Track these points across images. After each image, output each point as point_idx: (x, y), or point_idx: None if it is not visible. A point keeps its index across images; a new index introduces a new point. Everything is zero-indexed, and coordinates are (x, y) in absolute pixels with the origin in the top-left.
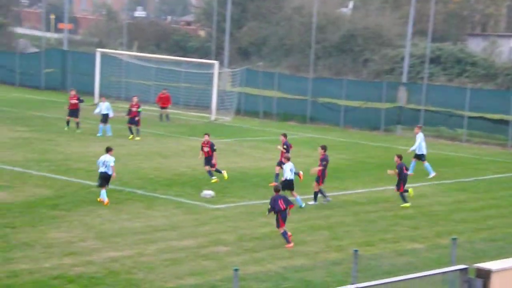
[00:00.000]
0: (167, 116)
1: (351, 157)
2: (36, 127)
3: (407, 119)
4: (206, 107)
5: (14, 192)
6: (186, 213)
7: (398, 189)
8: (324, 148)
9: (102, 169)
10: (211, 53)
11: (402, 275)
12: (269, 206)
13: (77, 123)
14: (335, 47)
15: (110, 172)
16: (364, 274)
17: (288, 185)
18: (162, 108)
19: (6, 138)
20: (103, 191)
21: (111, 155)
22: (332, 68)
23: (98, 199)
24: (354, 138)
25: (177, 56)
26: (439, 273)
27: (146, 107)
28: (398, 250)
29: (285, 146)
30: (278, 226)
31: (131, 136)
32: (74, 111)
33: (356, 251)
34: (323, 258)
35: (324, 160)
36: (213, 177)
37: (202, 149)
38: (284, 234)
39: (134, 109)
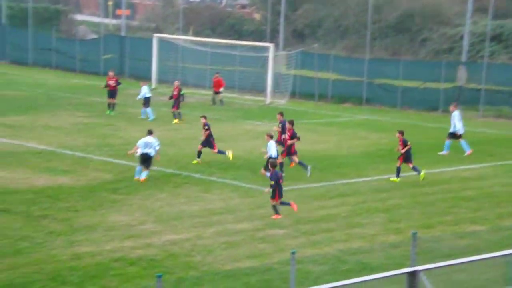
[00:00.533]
0: (220, 100)
1: (408, 138)
2: (96, 112)
3: (466, 99)
4: (261, 91)
5: (75, 177)
6: (242, 197)
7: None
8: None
9: (144, 151)
10: (266, 36)
11: (463, 257)
12: (272, 182)
13: (113, 105)
14: (391, 27)
15: (152, 154)
16: (423, 256)
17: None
18: (215, 92)
19: (67, 124)
20: (139, 169)
21: (153, 137)
22: (389, 49)
23: (135, 178)
24: (412, 120)
25: (232, 39)
26: (502, 255)
27: (202, 92)
28: (458, 232)
29: (280, 125)
30: (273, 197)
31: (175, 121)
32: (112, 92)
33: (414, 233)
34: (381, 241)
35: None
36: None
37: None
38: (280, 205)
39: (175, 92)
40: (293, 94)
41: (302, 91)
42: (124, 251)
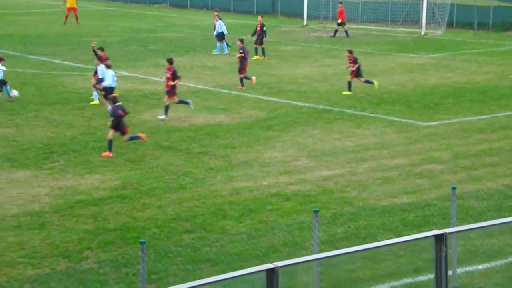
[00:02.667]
0: (346, 32)
1: None
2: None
3: None
4: (415, 22)
5: (231, 115)
6: (397, 132)
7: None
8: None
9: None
10: None
11: None
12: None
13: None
14: None
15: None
16: None
17: None
18: (338, 24)
19: (223, 63)
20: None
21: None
22: None
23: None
24: None
25: None
26: None
27: (353, 26)
28: None
29: (241, 51)
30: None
31: (255, 57)
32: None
33: None
34: None
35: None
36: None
37: None
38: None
39: (258, 28)
40: (450, 24)
41: (460, 20)
42: (279, 186)
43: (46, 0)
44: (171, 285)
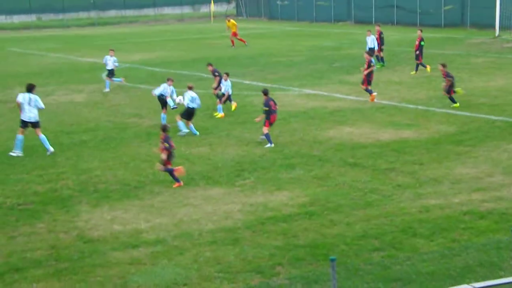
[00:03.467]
0: None
1: None
2: (437, 65)
3: None
4: None
5: (419, 130)
6: None
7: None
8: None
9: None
10: None
11: None
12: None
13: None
14: None
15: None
16: None
17: None
18: None
19: (408, 78)
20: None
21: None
22: None
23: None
24: None
25: None
26: None
27: None
28: None
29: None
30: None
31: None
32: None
33: None
34: None
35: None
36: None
37: None
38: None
39: (416, 42)
40: None
41: None
42: (473, 204)
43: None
44: None
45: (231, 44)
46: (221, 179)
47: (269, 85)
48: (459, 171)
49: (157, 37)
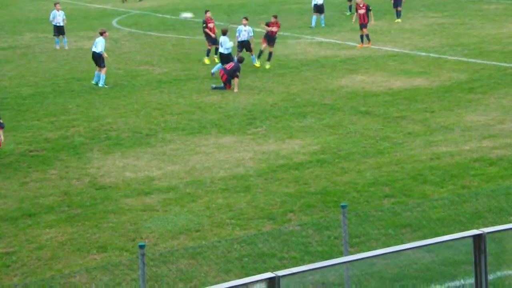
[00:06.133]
0: None
1: None
2: (449, 11)
3: None
4: None
5: (430, 78)
6: None
7: None
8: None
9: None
10: None
11: None
12: None
13: None
14: None
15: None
16: None
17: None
18: None
19: (421, 26)
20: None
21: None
22: None
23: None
24: None
25: None
26: None
27: None
28: None
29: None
30: None
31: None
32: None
33: None
34: None
35: None
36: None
37: None
38: None
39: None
40: None
41: None
42: (483, 151)
43: None
44: (373, 249)
45: None
46: (233, 127)
47: (280, 33)
48: (470, 118)
49: None
